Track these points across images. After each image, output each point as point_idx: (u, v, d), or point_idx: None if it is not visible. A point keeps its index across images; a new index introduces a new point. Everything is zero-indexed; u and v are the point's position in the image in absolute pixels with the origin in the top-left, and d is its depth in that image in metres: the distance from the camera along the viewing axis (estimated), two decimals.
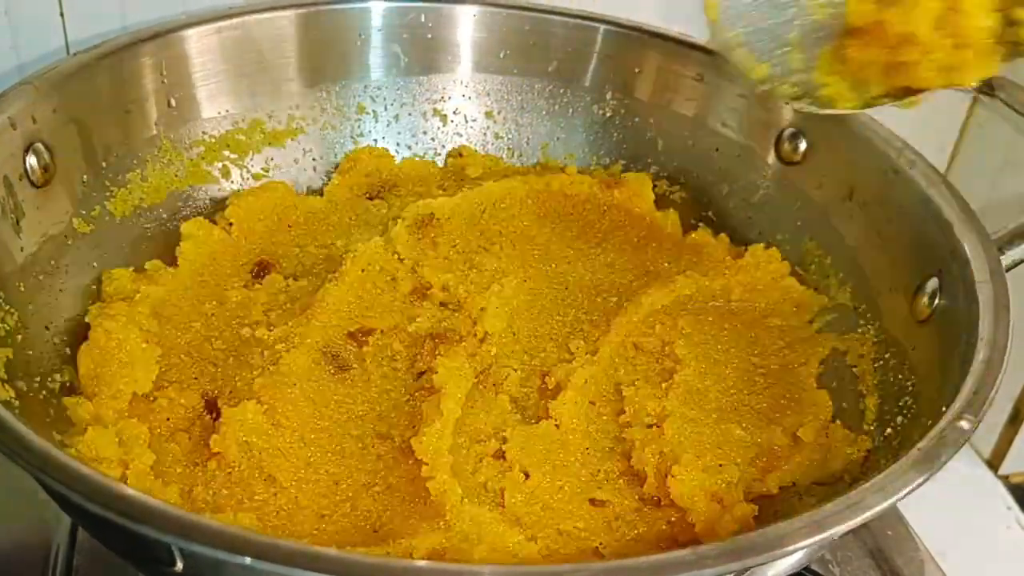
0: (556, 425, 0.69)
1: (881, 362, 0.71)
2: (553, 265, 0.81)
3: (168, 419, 0.68)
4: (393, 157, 0.91)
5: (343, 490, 0.64)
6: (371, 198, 0.87)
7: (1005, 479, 1.00)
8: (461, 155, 0.92)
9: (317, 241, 0.82)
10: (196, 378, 0.70)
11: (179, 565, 0.48)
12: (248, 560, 0.44)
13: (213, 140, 0.84)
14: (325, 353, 0.71)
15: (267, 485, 0.64)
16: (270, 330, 0.72)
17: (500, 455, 0.67)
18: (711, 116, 0.88)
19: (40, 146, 0.70)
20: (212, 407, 0.68)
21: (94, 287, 0.73)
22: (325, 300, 0.73)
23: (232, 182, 0.85)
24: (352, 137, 0.91)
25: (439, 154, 0.93)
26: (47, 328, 0.68)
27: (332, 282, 0.74)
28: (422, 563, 0.51)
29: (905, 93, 0.58)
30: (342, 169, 0.89)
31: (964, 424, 0.55)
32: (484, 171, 0.90)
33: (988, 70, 0.57)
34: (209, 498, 0.63)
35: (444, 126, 0.93)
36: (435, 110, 0.92)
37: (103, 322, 0.69)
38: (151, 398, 0.68)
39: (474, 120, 0.93)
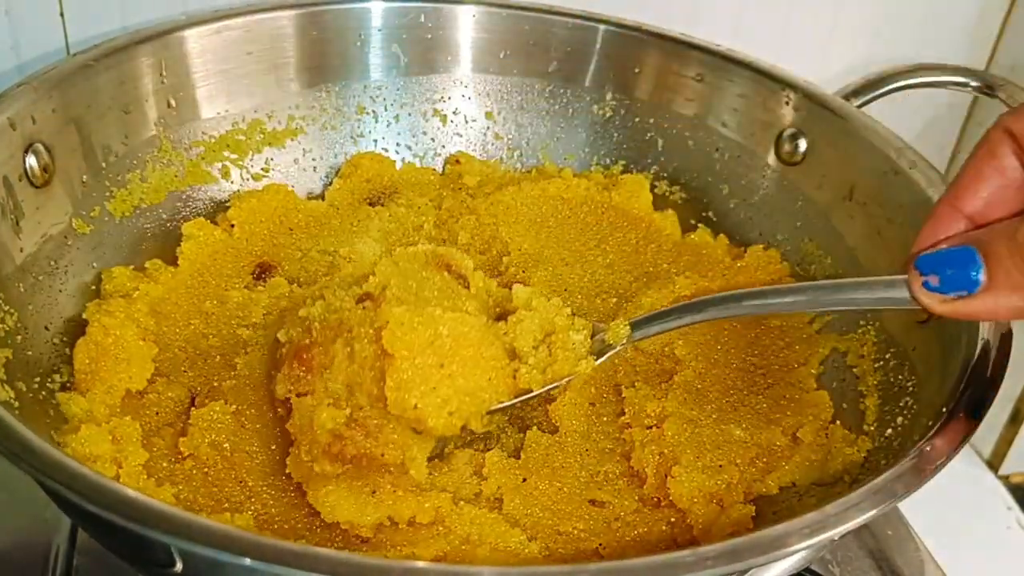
0: (555, 427, 0.69)
1: (881, 362, 0.71)
2: (552, 268, 0.81)
3: (157, 412, 0.68)
4: (394, 163, 0.91)
5: (308, 502, 0.63)
6: (372, 204, 0.87)
7: (1005, 479, 1.00)
8: (459, 162, 0.92)
9: (319, 246, 0.82)
10: (186, 371, 0.70)
11: (178, 566, 0.48)
12: (248, 561, 0.44)
13: (213, 140, 0.84)
14: None
15: (240, 488, 0.64)
16: (255, 332, 0.72)
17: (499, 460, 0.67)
18: (711, 116, 0.88)
19: (40, 146, 0.70)
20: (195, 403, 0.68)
21: (94, 287, 0.73)
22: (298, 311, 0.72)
23: (232, 182, 0.85)
24: (352, 137, 0.91)
25: (439, 155, 0.93)
26: (47, 328, 0.68)
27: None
28: (423, 564, 0.51)
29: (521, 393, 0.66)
30: (343, 174, 0.89)
31: (964, 425, 0.55)
32: (482, 178, 0.90)
33: (583, 367, 0.65)
34: (190, 496, 0.63)
35: (444, 126, 0.93)
36: (435, 110, 0.92)
37: (100, 318, 0.69)
38: (144, 392, 0.68)
39: (474, 120, 0.93)
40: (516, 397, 0.65)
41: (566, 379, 0.65)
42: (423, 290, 0.64)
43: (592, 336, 0.67)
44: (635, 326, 0.67)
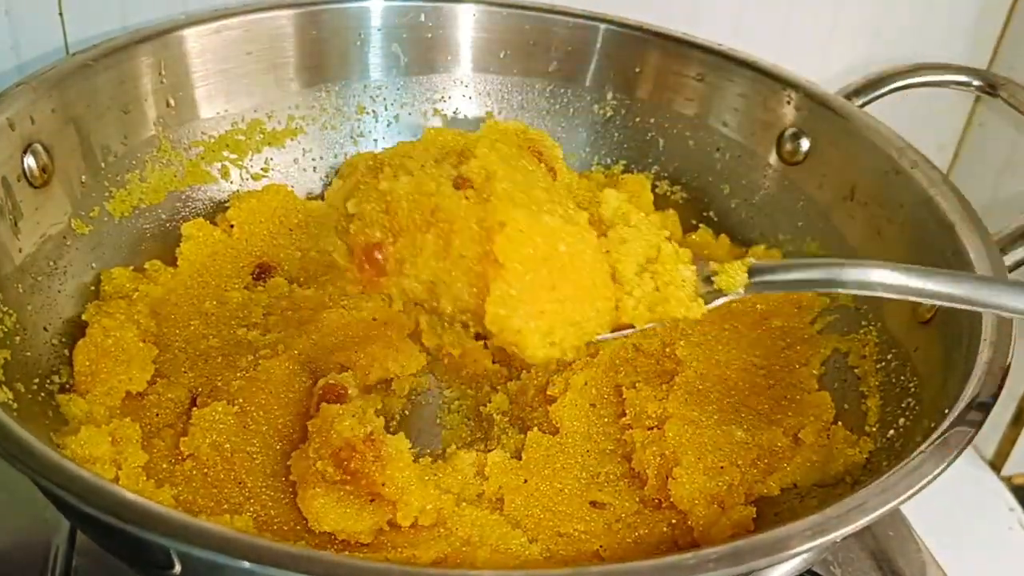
0: (556, 428, 0.69)
1: (883, 363, 0.71)
2: None
3: (157, 414, 0.68)
4: None
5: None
6: None
7: (1008, 480, 1.00)
8: None
9: (319, 246, 0.81)
10: (186, 372, 0.70)
11: (177, 568, 0.48)
12: (246, 564, 0.44)
13: (212, 140, 0.83)
14: (305, 367, 0.70)
15: (240, 489, 0.63)
16: (263, 335, 0.72)
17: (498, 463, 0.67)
18: (712, 116, 0.87)
19: (39, 146, 0.69)
20: (196, 403, 0.68)
21: (93, 288, 0.73)
22: (321, 322, 0.73)
23: (231, 182, 0.85)
24: (352, 137, 0.90)
25: None
26: (45, 329, 0.67)
27: (336, 309, 0.74)
28: (423, 568, 0.51)
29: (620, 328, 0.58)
30: (342, 174, 0.89)
31: (967, 426, 0.55)
32: None
33: (694, 311, 0.57)
34: (189, 497, 0.62)
35: (444, 126, 0.92)
36: (435, 110, 0.92)
37: (101, 319, 0.69)
38: (144, 394, 0.68)
39: (474, 120, 0.92)
40: (614, 331, 0.57)
41: (671, 321, 0.58)
42: (531, 187, 0.55)
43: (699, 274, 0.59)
44: (754, 273, 0.59)
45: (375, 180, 0.55)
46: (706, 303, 0.58)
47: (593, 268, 0.54)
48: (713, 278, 0.59)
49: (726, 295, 0.59)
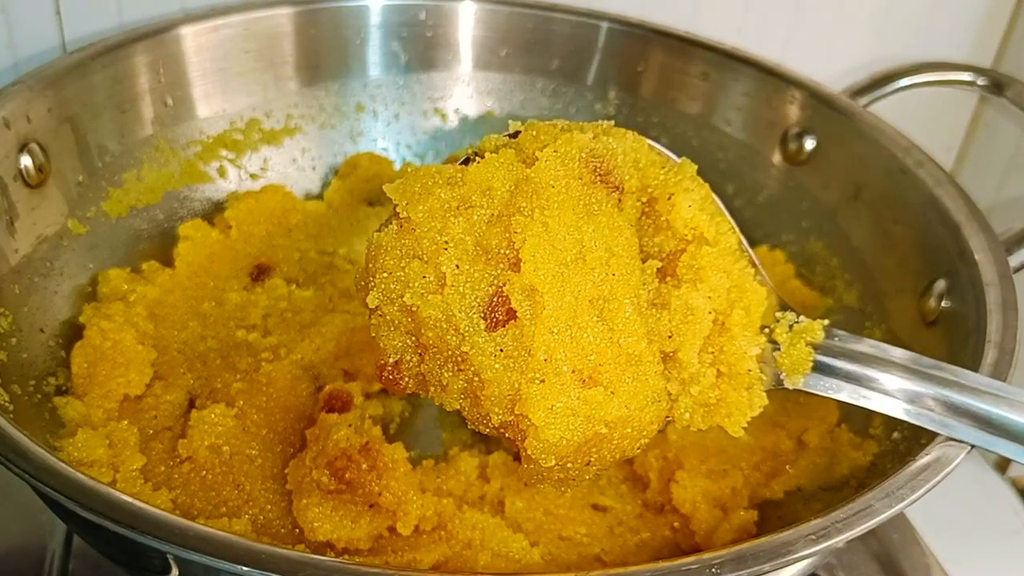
0: None
1: None
2: None
3: (155, 416, 0.67)
4: (392, 163, 0.90)
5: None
6: (371, 204, 0.86)
7: (1013, 482, 0.99)
8: None
9: (318, 247, 0.81)
10: (184, 373, 0.70)
11: (174, 572, 0.48)
12: (244, 568, 0.44)
13: (210, 140, 0.83)
14: (307, 372, 0.70)
15: (238, 492, 0.63)
16: (264, 337, 0.72)
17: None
18: (715, 115, 0.87)
19: (35, 146, 0.69)
20: (194, 406, 0.68)
21: (89, 289, 0.72)
22: (323, 326, 0.72)
23: (229, 182, 0.84)
24: (351, 136, 0.90)
25: (441, 154, 0.92)
26: (42, 331, 0.67)
27: (339, 313, 0.74)
28: (424, 573, 0.50)
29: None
30: (341, 174, 0.88)
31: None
32: None
33: (755, 408, 0.54)
34: (187, 501, 0.62)
35: (444, 125, 0.92)
36: (435, 109, 0.91)
37: (99, 321, 0.69)
38: (141, 396, 0.68)
39: (475, 119, 0.92)
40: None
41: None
42: (580, 305, 0.48)
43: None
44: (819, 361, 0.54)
45: (400, 268, 0.48)
46: (765, 383, 0.54)
47: (643, 415, 0.49)
48: (776, 354, 0.55)
49: (784, 382, 0.55)
